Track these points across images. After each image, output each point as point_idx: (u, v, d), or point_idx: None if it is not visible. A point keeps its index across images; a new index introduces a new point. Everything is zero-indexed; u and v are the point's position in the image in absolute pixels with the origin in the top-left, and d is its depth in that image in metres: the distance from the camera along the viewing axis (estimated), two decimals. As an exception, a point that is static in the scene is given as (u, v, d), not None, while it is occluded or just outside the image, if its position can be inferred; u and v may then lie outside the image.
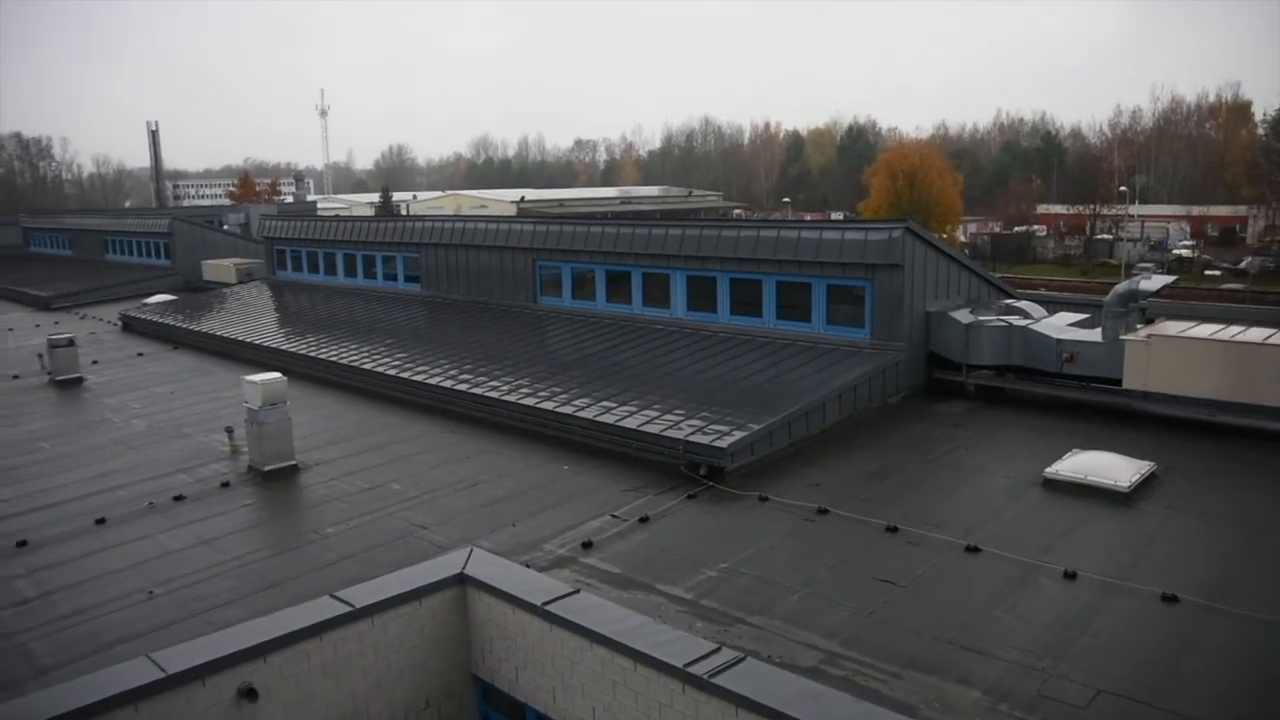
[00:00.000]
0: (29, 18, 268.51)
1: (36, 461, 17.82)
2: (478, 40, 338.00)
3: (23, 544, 13.61)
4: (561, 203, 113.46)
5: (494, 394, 18.23)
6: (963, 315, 18.54)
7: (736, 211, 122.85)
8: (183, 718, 8.32)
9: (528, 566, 10.90)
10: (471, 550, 10.66)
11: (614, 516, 13.14)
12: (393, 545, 12.70)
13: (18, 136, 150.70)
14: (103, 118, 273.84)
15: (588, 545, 12.16)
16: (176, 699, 8.28)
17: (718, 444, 14.36)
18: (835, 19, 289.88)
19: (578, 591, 9.59)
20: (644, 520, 12.96)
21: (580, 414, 16.46)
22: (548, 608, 9.16)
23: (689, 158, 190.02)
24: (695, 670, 7.82)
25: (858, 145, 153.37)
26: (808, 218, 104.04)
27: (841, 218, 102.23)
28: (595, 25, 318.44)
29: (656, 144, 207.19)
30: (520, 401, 17.59)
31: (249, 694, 8.67)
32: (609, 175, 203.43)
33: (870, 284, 18.41)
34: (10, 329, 34.76)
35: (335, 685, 9.34)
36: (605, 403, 16.88)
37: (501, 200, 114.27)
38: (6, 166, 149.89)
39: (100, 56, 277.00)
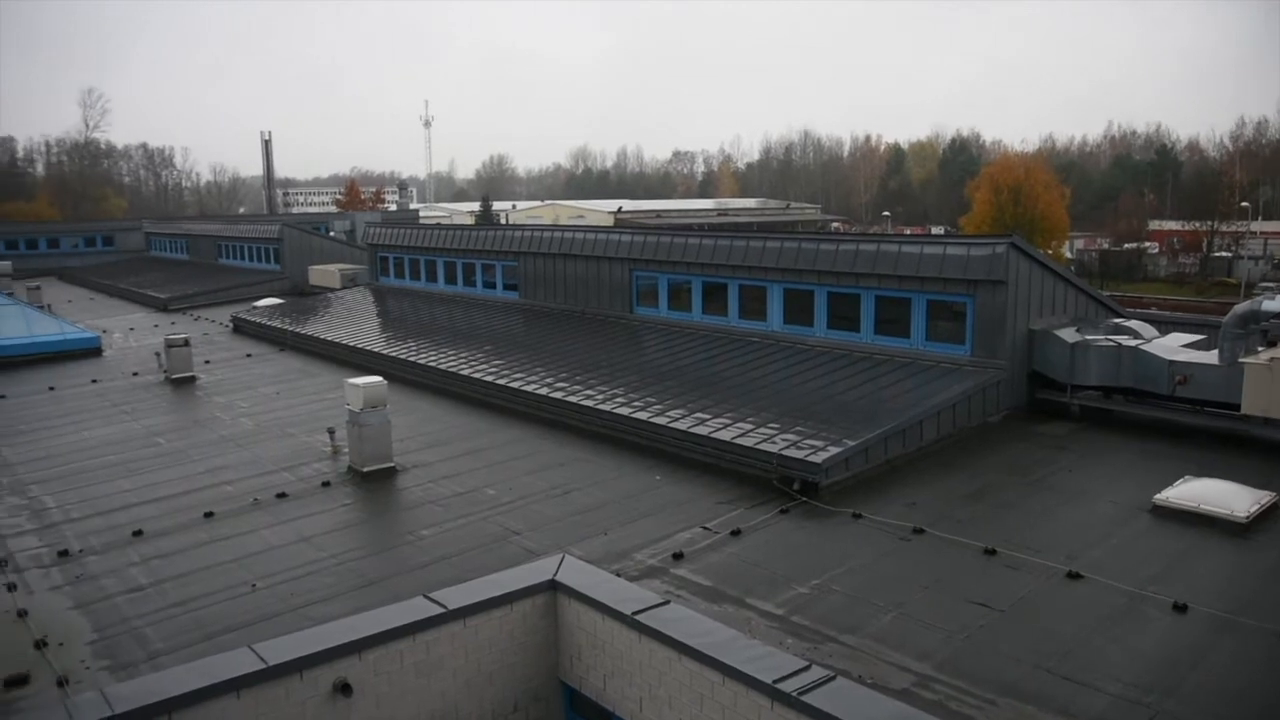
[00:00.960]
0: (156, 37, 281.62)
1: (152, 455, 18.60)
2: (579, 53, 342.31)
3: (138, 533, 14.22)
4: (659, 214, 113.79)
5: (588, 402, 18.38)
6: (1068, 334, 17.97)
7: (834, 225, 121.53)
8: (281, 708, 8.56)
9: (618, 575, 10.93)
10: (563, 557, 10.75)
11: (705, 529, 13.09)
12: (486, 549, 12.88)
13: (144, 147, 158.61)
14: (220, 129, 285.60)
15: (678, 556, 12.14)
16: (276, 689, 8.53)
17: (812, 459, 14.20)
18: (939, 28, 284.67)
19: (668, 603, 9.58)
20: (736, 533, 12.88)
21: (674, 425, 16.47)
22: (637, 617, 9.16)
23: (787, 170, 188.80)
24: (784, 687, 7.72)
25: (960, 158, 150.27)
26: (908, 232, 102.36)
27: (942, 232, 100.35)
28: (696, 38, 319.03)
29: (755, 156, 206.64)
30: (614, 410, 17.68)
31: (344, 689, 8.88)
32: (706, 187, 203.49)
33: (972, 300, 18.00)
34: (131, 328, 36.41)
35: (426, 684, 9.51)
36: (699, 414, 16.85)
37: (599, 210, 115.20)
38: (133, 175, 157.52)
39: (219, 71, 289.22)
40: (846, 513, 13.48)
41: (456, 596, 9.84)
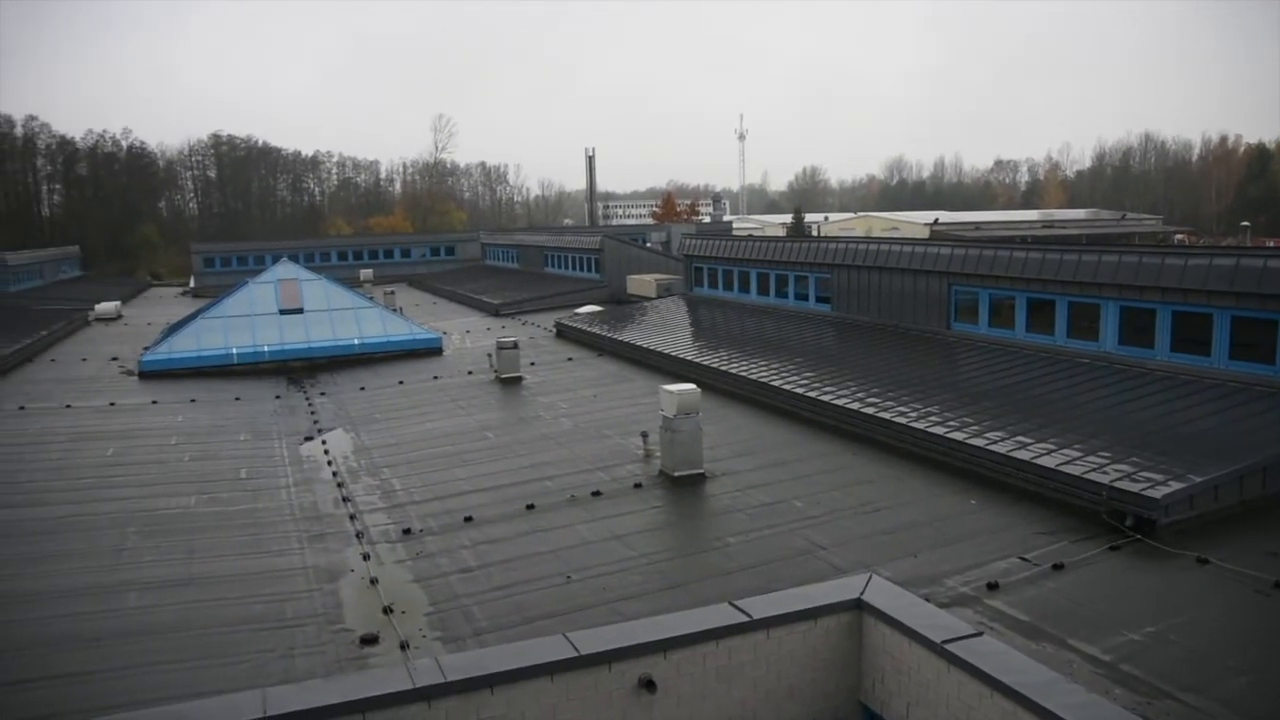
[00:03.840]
0: (495, 66, 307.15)
1: (483, 448, 20.24)
2: (896, 61, 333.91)
3: (469, 519, 15.52)
4: (978, 225, 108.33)
5: (900, 419, 17.85)
6: None
7: (1179, 237, 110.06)
8: (589, 696, 8.97)
9: (927, 600, 10.50)
10: (870, 576, 10.47)
11: (1023, 559, 12.30)
12: (790, 561, 12.85)
13: (482, 165, 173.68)
14: (548, 146, 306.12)
15: (993, 586, 11.49)
16: (586, 678, 8.94)
17: (1149, 493, 12.92)
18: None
19: (981, 634, 9.07)
20: (1058, 567, 11.99)
21: (992, 447, 15.61)
22: (947, 646, 8.74)
23: (1123, 178, 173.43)
24: (1113, 741, 7.07)
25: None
26: (1270, 244, 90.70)
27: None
28: (1021, 41, 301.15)
29: (1086, 163, 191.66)
30: (928, 429, 17.05)
31: (648, 685, 9.15)
32: (1030, 197, 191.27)
33: (1357, 324, 15.64)
34: (467, 331, 39.86)
35: (727, 690, 9.60)
36: (1020, 437, 15.87)
37: (914, 222, 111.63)
38: (472, 191, 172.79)
39: (549, 91, 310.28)
40: (1189, 556, 12.14)
41: (761, 606, 9.85)
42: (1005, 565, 12.16)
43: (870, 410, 18.74)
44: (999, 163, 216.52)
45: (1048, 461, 14.62)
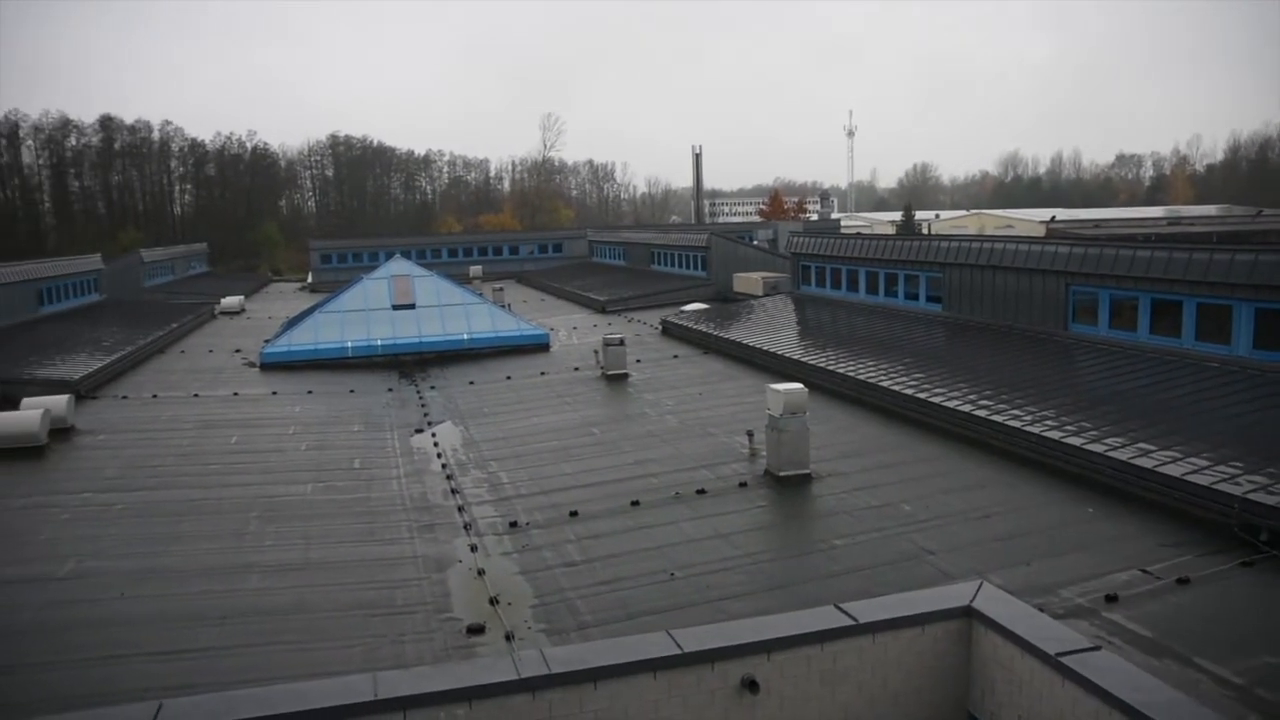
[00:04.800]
0: (604, 65, 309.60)
1: (588, 444, 20.42)
2: (1011, 54, 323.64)
3: (574, 514, 15.69)
4: (1097, 223, 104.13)
5: (1014, 423, 17.31)
6: None
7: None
8: (692, 693, 8.96)
9: (1041, 610, 10.17)
10: (981, 583, 10.20)
11: (1145, 572, 11.79)
12: (897, 566, 12.61)
13: (590, 163, 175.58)
14: (655, 144, 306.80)
15: (1112, 599, 11.05)
16: (688, 675, 8.94)
17: (1286, 507, 12.24)
18: None
19: (1098, 648, 8.73)
20: (1182, 582, 11.45)
21: (1112, 454, 15.02)
22: (1062, 659, 8.45)
23: (1261, 171, 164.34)
24: (1245, 768, 6.72)
25: None
26: None
27: None
28: (1147, 31, 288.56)
29: (1218, 156, 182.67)
30: (1043, 434, 16.50)
31: (751, 685, 9.10)
32: (1155, 193, 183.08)
33: None
34: (574, 327, 40.27)
35: (830, 694, 9.48)
36: (1142, 444, 15.22)
37: (1029, 220, 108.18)
38: (579, 189, 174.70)
39: (656, 89, 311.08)
40: (1330, 574, 11.47)
41: (867, 610, 9.69)
42: (1125, 577, 11.68)
43: (982, 413, 18.23)
44: (1121, 157, 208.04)
45: (1172, 470, 13.99)
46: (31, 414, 21.28)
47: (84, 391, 26.50)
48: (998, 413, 18.08)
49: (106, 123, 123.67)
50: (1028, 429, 16.90)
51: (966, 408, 18.75)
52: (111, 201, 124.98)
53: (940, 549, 13.03)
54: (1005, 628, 9.19)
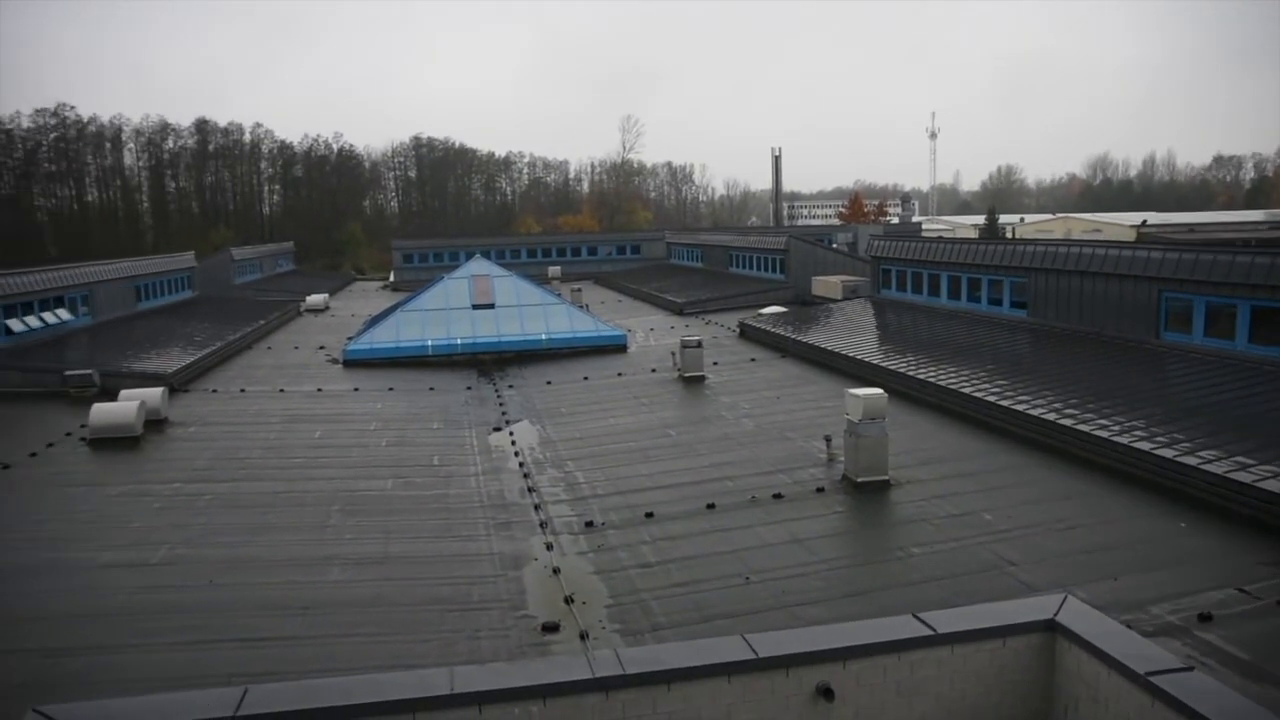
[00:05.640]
0: (678, 65, 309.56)
1: (665, 445, 20.41)
2: (1103, 54, 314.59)
3: (650, 515, 15.69)
4: (1191, 228, 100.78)
5: (1101, 433, 16.81)
6: None
7: None
8: (766, 700, 8.89)
9: (1129, 628, 9.85)
10: (1065, 597, 9.92)
11: (1242, 591, 11.33)
12: (977, 576, 12.34)
13: (668, 165, 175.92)
14: (734, 146, 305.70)
15: (1205, 618, 10.64)
16: (763, 681, 8.87)
17: (1394, 526, 11.67)
18: None
19: (1191, 669, 8.42)
20: (1282, 602, 11.00)
21: (1206, 467, 14.48)
22: (1152, 679, 8.16)
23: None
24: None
25: None
26: None
27: None
28: (1244, 29, 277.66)
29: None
30: (1132, 444, 15.98)
31: (826, 693, 8.99)
32: (1256, 196, 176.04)
33: None
34: (651, 329, 40.31)
35: (907, 705, 9.31)
36: (1240, 458, 14.64)
37: (1119, 224, 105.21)
38: (658, 190, 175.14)
39: (735, 91, 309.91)
40: None
41: (946, 620, 9.50)
42: (1220, 596, 11.24)
43: (1068, 422, 17.74)
44: (1219, 159, 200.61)
45: (1273, 486, 13.42)
46: (128, 405, 22.11)
47: (177, 385, 27.42)
48: (1084, 422, 17.58)
49: (201, 125, 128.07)
50: (1116, 439, 16.40)
51: (1051, 416, 18.26)
52: (204, 201, 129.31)
53: (1022, 560, 12.72)
54: (1091, 643, 8.92)
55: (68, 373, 26.78)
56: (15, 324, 30.78)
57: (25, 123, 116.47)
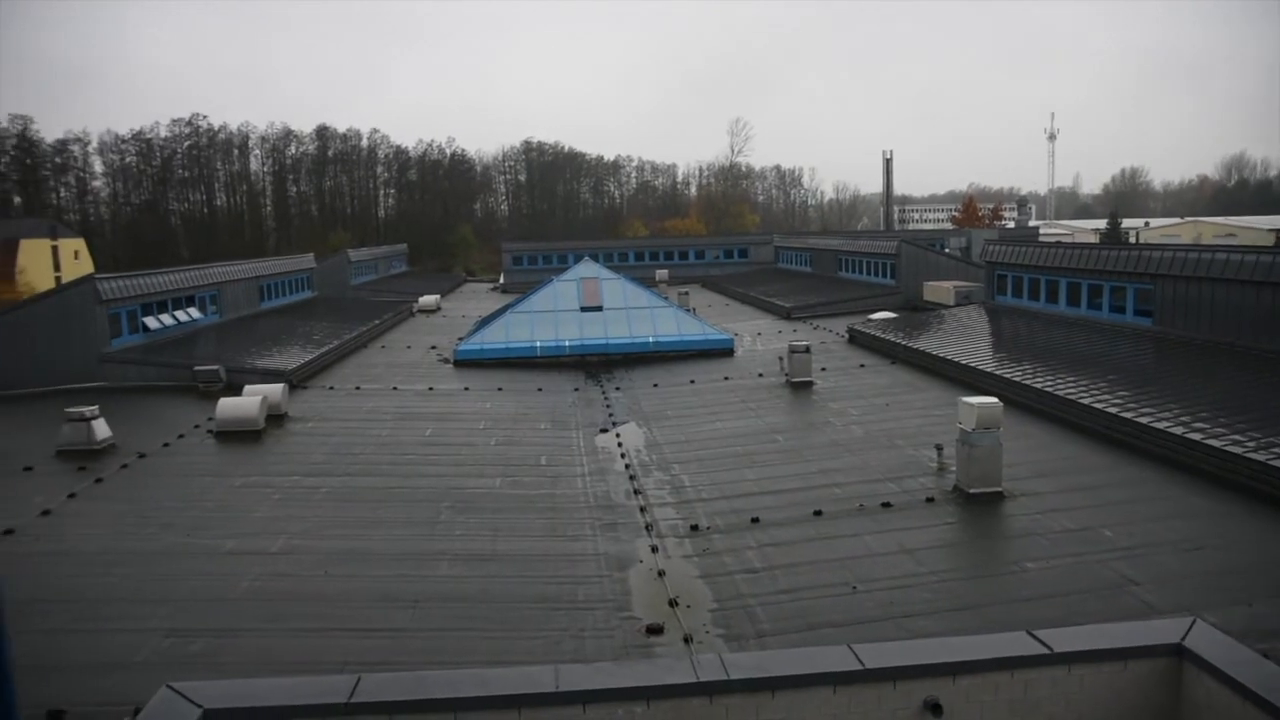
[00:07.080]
0: (788, 68, 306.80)
1: (771, 451, 20.24)
2: (1238, 49, 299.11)
3: (755, 520, 15.58)
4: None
5: (1234, 449, 15.96)
6: None
7: None
8: (872, 711, 8.71)
9: (1265, 657, 9.33)
10: (1194, 621, 9.45)
11: (1389, 620, 10.62)
12: (1097, 594, 11.86)
13: (777, 168, 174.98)
14: (844, 149, 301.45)
15: (1348, 649, 10.00)
16: (868, 692, 8.70)
17: None
18: None
19: (1333, 702, 7.93)
20: None
21: (1349, 487, 13.64)
22: (1291, 712, 7.73)
23: None
24: None
25: None
26: None
27: None
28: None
29: None
30: (1268, 462, 15.14)
31: (934, 709, 8.76)
32: None
33: None
34: (759, 333, 40.05)
35: (1020, 726, 9.02)
36: (1387, 479, 13.75)
37: (1255, 228, 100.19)
38: (766, 194, 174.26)
39: (845, 93, 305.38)
40: None
41: (1063, 639, 9.16)
42: (1367, 624, 10.57)
43: (1197, 436, 16.92)
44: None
45: None
46: (252, 400, 23.09)
47: (296, 381, 28.48)
48: (1214, 437, 16.74)
49: (322, 132, 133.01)
50: (1250, 455, 15.55)
51: (1178, 430, 17.44)
52: (324, 205, 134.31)
53: (1146, 580, 12.17)
54: (1223, 671, 8.49)
55: (197, 368, 28.13)
56: (151, 321, 32.46)
57: (163, 132, 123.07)
